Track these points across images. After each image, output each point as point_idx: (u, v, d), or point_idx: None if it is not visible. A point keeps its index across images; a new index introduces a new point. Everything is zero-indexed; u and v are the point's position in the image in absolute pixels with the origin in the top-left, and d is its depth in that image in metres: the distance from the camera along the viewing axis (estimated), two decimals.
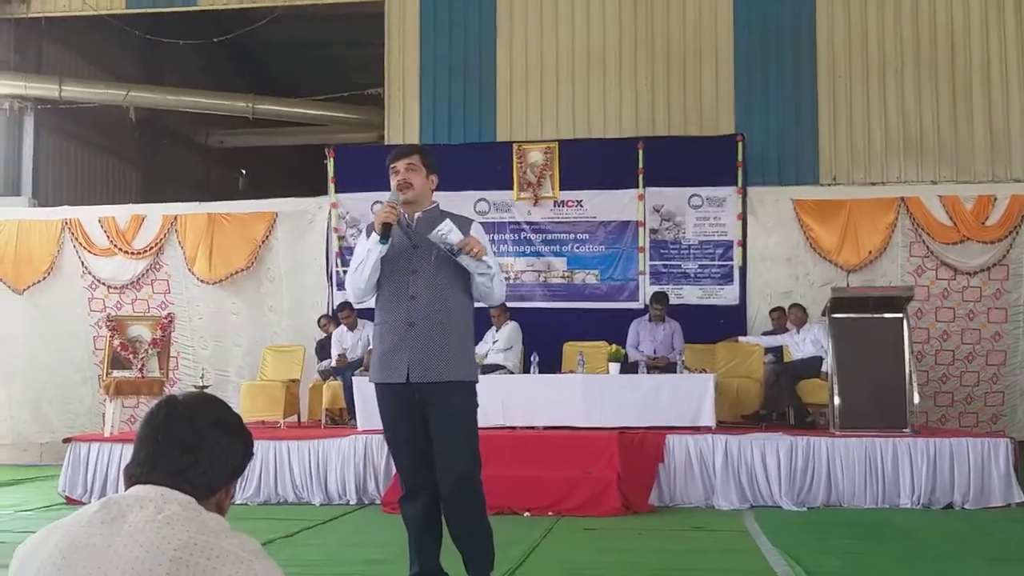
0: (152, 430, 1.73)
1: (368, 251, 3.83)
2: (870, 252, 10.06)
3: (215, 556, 1.55)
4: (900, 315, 7.86)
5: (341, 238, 10.84)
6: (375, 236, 3.81)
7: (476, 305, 4.03)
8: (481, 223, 4.12)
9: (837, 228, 10.23)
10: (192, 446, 1.71)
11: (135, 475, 1.71)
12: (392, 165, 3.91)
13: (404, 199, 3.88)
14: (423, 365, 3.77)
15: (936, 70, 10.65)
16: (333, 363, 9.68)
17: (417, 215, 3.93)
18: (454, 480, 3.78)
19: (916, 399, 7.82)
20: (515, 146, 10.72)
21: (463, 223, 3.91)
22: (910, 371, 7.73)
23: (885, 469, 7.24)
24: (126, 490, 1.69)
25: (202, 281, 11.08)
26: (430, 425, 3.81)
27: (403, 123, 11.33)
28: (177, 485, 1.67)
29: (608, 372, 8.47)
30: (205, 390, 7.55)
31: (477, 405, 3.93)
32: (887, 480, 7.23)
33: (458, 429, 3.81)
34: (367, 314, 10.09)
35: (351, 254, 10.37)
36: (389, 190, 3.93)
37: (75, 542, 1.58)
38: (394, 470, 7.38)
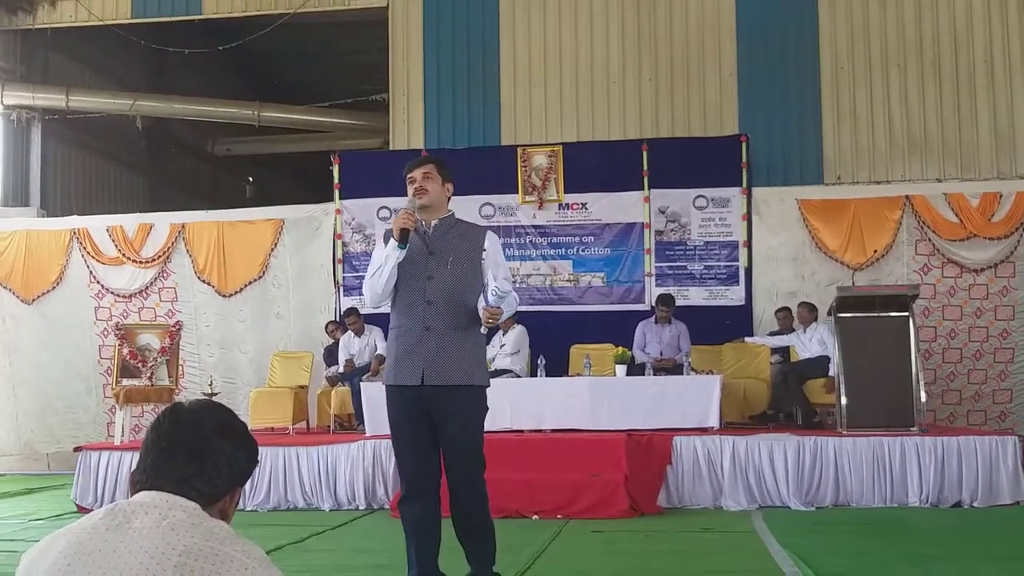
0: (158, 437, 1.74)
1: (386, 257, 3.92)
2: (876, 251, 10.03)
3: (220, 562, 1.56)
4: (906, 313, 7.85)
5: (345, 244, 10.87)
6: (393, 242, 3.90)
7: None
8: (486, 227, 4.23)
9: (842, 227, 10.22)
10: (197, 453, 1.72)
11: (140, 481, 1.72)
12: (409, 175, 4.04)
13: (420, 204, 3.98)
14: (437, 369, 3.85)
15: (939, 67, 10.65)
16: (341, 369, 9.71)
17: (434, 222, 4.04)
18: (461, 480, 3.90)
19: (923, 398, 7.81)
20: (519, 150, 10.72)
21: (477, 232, 4.08)
22: (917, 370, 7.72)
23: (893, 468, 7.24)
24: (131, 496, 1.70)
25: (219, 294, 11.13)
26: (439, 427, 3.89)
27: (408, 129, 11.36)
28: (182, 492, 1.68)
29: (615, 374, 8.48)
30: (214, 398, 7.62)
31: (487, 409, 4.03)
32: (895, 479, 7.24)
33: (467, 431, 3.91)
34: (374, 320, 10.17)
35: (358, 260, 10.74)
36: (395, 195, 4.00)
37: (80, 548, 1.59)
38: None
